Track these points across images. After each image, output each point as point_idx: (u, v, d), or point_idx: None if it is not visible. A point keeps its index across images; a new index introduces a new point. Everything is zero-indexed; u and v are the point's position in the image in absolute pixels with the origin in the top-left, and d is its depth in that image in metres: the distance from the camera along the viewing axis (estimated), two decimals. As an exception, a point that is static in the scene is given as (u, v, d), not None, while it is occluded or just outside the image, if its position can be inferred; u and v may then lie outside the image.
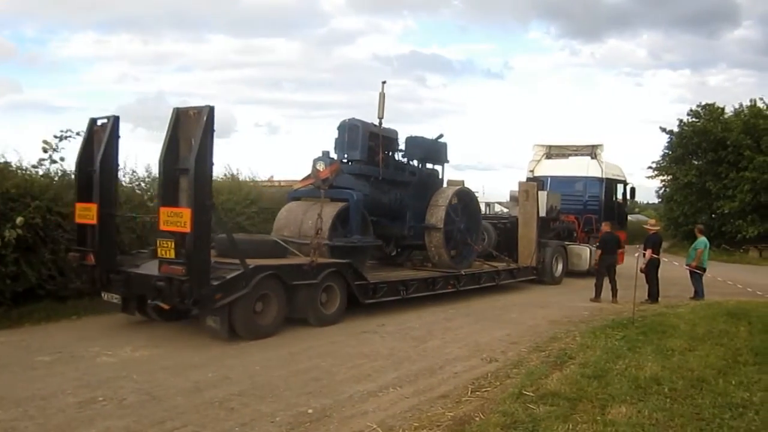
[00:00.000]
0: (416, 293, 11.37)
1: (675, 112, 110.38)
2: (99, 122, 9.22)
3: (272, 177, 20.17)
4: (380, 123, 12.01)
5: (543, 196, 16.58)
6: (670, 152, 34.56)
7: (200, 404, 5.84)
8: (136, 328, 9.00)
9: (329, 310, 9.73)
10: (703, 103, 34.00)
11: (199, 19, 76.07)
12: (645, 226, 15.64)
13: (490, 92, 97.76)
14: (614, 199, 19.90)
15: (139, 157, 18.99)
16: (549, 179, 19.27)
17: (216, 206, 8.38)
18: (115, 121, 9.00)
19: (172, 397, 6.02)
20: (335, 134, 11.89)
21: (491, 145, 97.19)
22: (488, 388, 6.53)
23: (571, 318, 11.05)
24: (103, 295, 9.10)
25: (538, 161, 20.39)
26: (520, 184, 16.30)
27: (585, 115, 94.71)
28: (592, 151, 19.67)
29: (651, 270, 13.37)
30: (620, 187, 20.40)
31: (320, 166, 10.67)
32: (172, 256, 7.65)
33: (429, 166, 13.48)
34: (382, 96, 11.91)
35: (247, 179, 15.27)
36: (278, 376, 6.88)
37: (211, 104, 7.68)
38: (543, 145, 20.68)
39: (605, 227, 14.69)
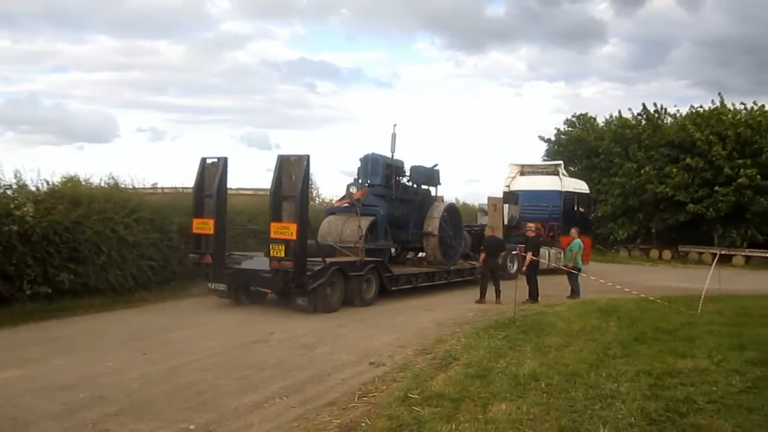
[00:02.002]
0: (422, 283, 14.86)
1: (553, 122, 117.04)
2: (209, 161, 12.64)
3: (156, 184, 19.40)
4: (392, 156, 15.24)
5: (505, 208, 20.03)
6: (549, 159, 36.48)
7: (71, 427, 5.49)
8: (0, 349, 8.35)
9: (368, 295, 12.99)
10: (578, 113, 36.25)
11: (78, 18, 71.66)
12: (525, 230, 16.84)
13: (380, 100, 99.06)
14: (575, 209, 22.71)
15: (6, 162, 17.74)
16: (521, 193, 22.38)
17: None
18: (224, 161, 12.53)
19: (40, 421, 5.62)
20: (357, 164, 15.24)
21: (381, 153, 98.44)
22: (375, 393, 6.59)
23: (456, 320, 11.36)
24: (210, 285, 12.55)
25: (513, 177, 23.39)
26: (489, 198, 19.96)
27: (471, 123, 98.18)
28: (555, 168, 23.15)
29: (531, 271, 14.04)
30: (584, 199, 23.54)
31: (353, 190, 14.34)
32: (283, 255, 11.17)
33: (424, 186, 16.66)
34: (394, 136, 15.17)
35: (129, 186, 14.53)
36: (158, 392, 6.59)
37: (308, 153, 11.35)
38: (517, 164, 23.87)
39: (488, 232, 15.36)
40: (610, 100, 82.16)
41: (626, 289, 13.65)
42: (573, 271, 14.60)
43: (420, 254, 16.87)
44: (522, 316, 11.00)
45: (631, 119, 33.62)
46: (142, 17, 71.27)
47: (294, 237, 11.05)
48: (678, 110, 32.69)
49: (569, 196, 22.54)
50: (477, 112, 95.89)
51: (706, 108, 30.51)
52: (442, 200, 17.17)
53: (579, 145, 34.11)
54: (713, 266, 14.03)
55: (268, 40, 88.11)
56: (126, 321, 10.77)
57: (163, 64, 76.92)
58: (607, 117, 35.28)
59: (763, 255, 26.30)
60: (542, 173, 23.43)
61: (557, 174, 22.78)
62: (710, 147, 28.03)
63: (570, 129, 35.71)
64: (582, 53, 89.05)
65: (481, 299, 13.75)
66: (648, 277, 20.78)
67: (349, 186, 14.77)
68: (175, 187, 18.32)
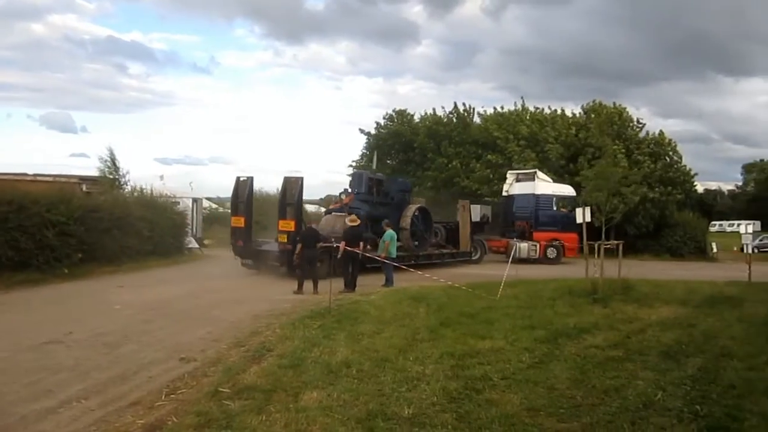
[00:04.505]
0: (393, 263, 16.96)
1: (372, 116, 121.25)
2: (241, 178, 18.33)
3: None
4: (374, 172, 21.68)
5: (476, 208, 25.05)
6: (368, 152, 37.47)
7: None
8: None
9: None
10: (396, 109, 37.65)
11: None
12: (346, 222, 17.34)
13: (197, 86, 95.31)
14: (554, 209, 26.06)
15: None
16: (516, 197, 26.89)
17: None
18: (251, 179, 18.44)
19: None
20: (349, 178, 22.06)
21: (200, 140, 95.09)
22: (184, 390, 6.35)
23: (273, 311, 11.25)
24: (242, 261, 18.32)
25: (511, 184, 27.47)
26: (460, 201, 24.21)
27: (292, 113, 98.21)
28: (532, 175, 26.75)
29: (346, 261, 14.37)
30: (566, 201, 26.03)
31: (343, 196, 20.52)
32: (286, 241, 16.21)
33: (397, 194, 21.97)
34: (377, 161, 21.64)
35: None
36: (-72, 404, 5.79)
37: (302, 176, 17.25)
38: (514, 172, 28.00)
39: (308, 224, 15.71)
40: (424, 98, 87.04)
41: (434, 278, 14.46)
42: (386, 261, 15.17)
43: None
44: (338, 305, 11.21)
45: (443, 117, 35.69)
46: None
47: (293, 229, 16.15)
48: (485, 110, 35.52)
49: (545, 198, 26.10)
50: (297, 102, 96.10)
51: (508, 110, 33.57)
52: (422, 202, 22.59)
53: (397, 139, 35.48)
54: (512, 255, 15.34)
55: (71, 13, 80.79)
56: None
57: (-59, 32, 67.13)
58: (423, 114, 37.14)
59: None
60: (528, 179, 26.80)
61: (533, 179, 26.47)
62: (506, 144, 30.90)
63: (389, 123, 36.98)
64: (398, 52, 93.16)
65: (299, 290, 13.81)
66: (456, 266, 22.22)
67: (340, 194, 21.08)
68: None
